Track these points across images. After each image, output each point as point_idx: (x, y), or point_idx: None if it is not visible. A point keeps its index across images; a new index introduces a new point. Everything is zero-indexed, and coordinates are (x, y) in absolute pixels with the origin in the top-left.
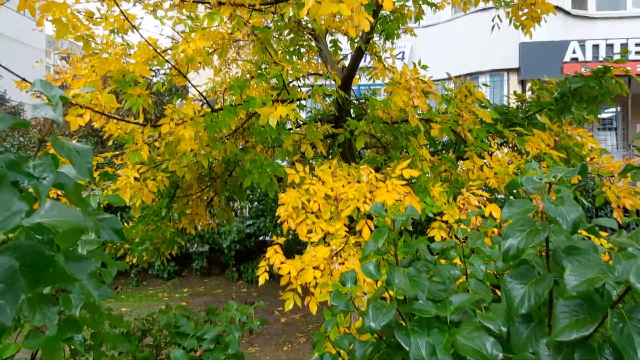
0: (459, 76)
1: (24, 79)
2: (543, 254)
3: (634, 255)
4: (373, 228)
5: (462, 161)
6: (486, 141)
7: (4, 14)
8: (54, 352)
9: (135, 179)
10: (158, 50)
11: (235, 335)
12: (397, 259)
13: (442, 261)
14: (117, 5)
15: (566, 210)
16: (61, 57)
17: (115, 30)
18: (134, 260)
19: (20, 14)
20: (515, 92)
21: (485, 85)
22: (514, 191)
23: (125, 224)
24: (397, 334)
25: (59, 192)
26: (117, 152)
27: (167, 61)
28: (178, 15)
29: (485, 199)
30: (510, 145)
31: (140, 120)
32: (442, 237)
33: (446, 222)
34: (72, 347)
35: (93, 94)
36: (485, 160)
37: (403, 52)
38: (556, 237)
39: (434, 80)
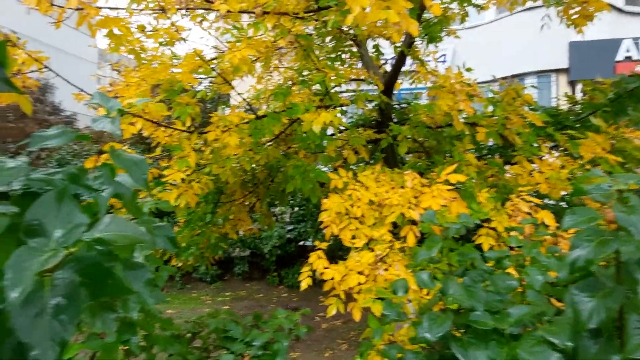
0: (505, 78)
1: (82, 90)
2: (608, 265)
3: None
4: (418, 234)
5: (509, 166)
6: (536, 145)
7: (61, 29)
8: (111, 353)
9: (182, 180)
10: (204, 60)
11: (283, 344)
12: (450, 268)
13: (497, 271)
14: (169, 17)
15: (638, 219)
16: (113, 69)
17: (164, 43)
18: (180, 264)
19: (76, 30)
20: (566, 94)
21: (534, 87)
22: (567, 198)
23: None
24: (454, 346)
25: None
26: (163, 155)
27: (214, 69)
28: (224, 26)
29: (536, 205)
30: (562, 149)
31: (188, 128)
32: (490, 245)
33: (494, 229)
34: (128, 348)
35: (144, 103)
36: (535, 165)
37: (445, 55)
38: (626, 248)
39: (478, 83)
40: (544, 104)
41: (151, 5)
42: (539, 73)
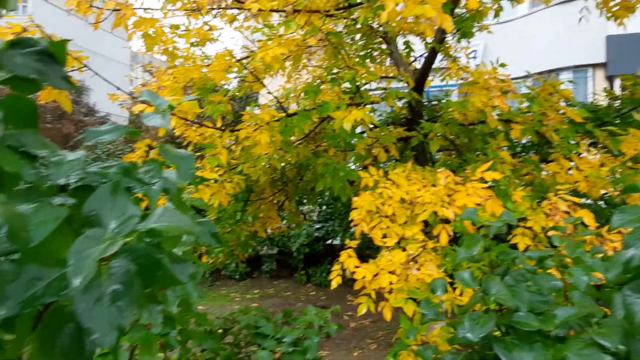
0: (541, 73)
1: (118, 88)
2: None
3: None
4: (451, 233)
5: (546, 164)
6: (574, 142)
7: (95, 33)
8: (150, 346)
9: (215, 180)
10: (236, 59)
11: (314, 341)
12: (492, 268)
13: (539, 271)
14: (202, 16)
15: None
16: (145, 70)
17: (195, 43)
18: (211, 262)
19: (108, 32)
20: (605, 89)
21: (571, 82)
22: (606, 197)
23: None
24: (497, 348)
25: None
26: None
27: (246, 68)
28: (255, 25)
29: (574, 204)
30: (601, 146)
31: (219, 125)
32: (526, 244)
33: (530, 228)
34: (166, 341)
35: (177, 102)
36: (573, 163)
37: (475, 51)
38: None
39: (512, 79)
40: (580, 100)
41: (187, 5)
42: (575, 68)
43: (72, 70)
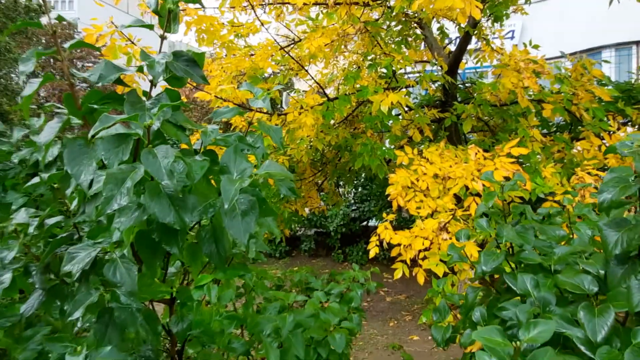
0: (580, 52)
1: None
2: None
3: None
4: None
5: (576, 142)
6: (606, 120)
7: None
8: (230, 284)
9: None
10: (282, 48)
11: (357, 292)
12: (505, 219)
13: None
14: (254, 10)
15: None
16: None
17: (240, 35)
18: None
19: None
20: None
21: (606, 61)
22: None
23: None
24: (506, 277)
25: None
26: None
27: (292, 57)
28: (298, 17)
29: (601, 178)
30: (634, 124)
31: (266, 110)
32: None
33: (558, 202)
34: (244, 284)
35: (231, 89)
36: (604, 141)
37: (513, 31)
38: None
39: (548, 59)
40: (623, 79)
41: (241, 1)
42: (618, 46)
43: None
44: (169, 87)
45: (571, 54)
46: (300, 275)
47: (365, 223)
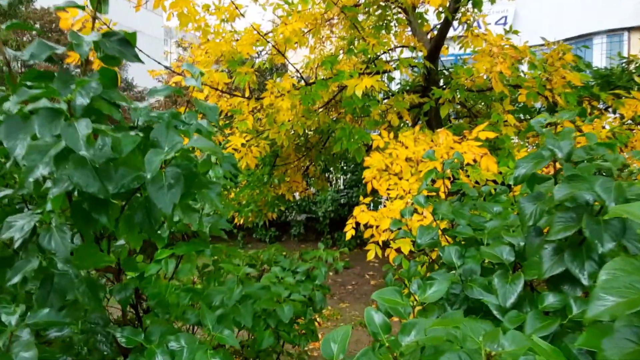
0: (568, 40)
1: (159, 63)
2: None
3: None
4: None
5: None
6: (581, 106)
7: (130, 10)
8: (191, 259)
9: (242, 144)
10: (261, 34)
11: (322, 270)
12: (446, 197)
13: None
14: None
15: (563, 144)
16: (178, 45)
17: (225, 19)
18: (242, 221)
19: (143, 8)
20: (619, 53)
21: (585, 47)
22: None
23: (235, 189)
24: (440, 251)
25: None
26: (229, 125)
27: (269, 42)
28: (277, 1)
29: None
30: (614, 110)
31: (246, 94)
32: None
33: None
34: (199, 267)
35: (209, 73)
36: (577, 126)
37: (505, 17)
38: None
39: (541, 45)
40: (614, 65)
41: None
42: (609, 32)
43: None
44: (105, 66)
45: (564, 41)
46: (268, 254)
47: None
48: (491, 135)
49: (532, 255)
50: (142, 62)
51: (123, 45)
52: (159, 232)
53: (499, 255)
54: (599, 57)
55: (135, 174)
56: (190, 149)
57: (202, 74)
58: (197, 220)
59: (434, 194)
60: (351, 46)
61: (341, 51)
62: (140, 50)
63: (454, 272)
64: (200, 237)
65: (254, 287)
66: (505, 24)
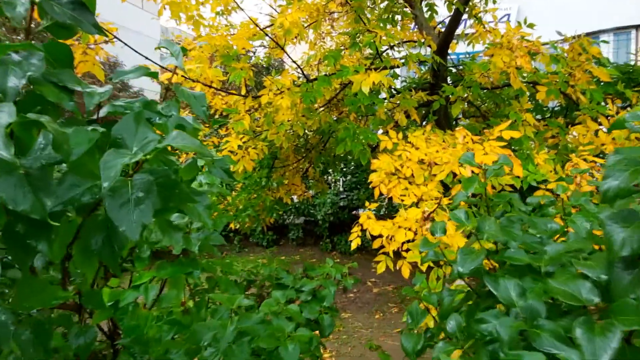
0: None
1: (151, 61)
2: None
3: None
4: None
5: (572, 127)
6: (604, 104)
7: (126, 11)
8: (178, 283)
9: (239, 147)
10: (259, 27)
11: (330, 290)
12: (488, 209)
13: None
14: None
15: None
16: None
17: (221, 12)
18: (238, 226)
19: (139, 8)
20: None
21: (604, 42)
22: None
23: (231, 193)
24: (486, 280)
25: None
26: (222, 121)
27: (267, 34)
28: None
29: (598, 164)
30: (634, 108)
31: (243, 92)
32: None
33: (551, 190)
34: (191, 285)
35: (202, 69)
36: (602, 126)
37: (509, 15)
38: None
39: (544, 44)
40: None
41: None
42: (617, 30)
43: (105, 42)
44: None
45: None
46: (270, 270)
47: (354, 212)
48: (515, 134)
49: (622, 296)
50: (102, 34)
51: (77, 9)
52: (138, 251)
53: (576, 293)
54: (606, 55)
55: (89, 184)
56: (169, 149)
57: (184, 50)
58: (181, 242)
59: (473, 207)
60: (356, 39)
61: (342, 47)
62: (136, 51)
63: (513, 311)
64: (189, 255)
65: (251, 321)
66: (509, 21)
